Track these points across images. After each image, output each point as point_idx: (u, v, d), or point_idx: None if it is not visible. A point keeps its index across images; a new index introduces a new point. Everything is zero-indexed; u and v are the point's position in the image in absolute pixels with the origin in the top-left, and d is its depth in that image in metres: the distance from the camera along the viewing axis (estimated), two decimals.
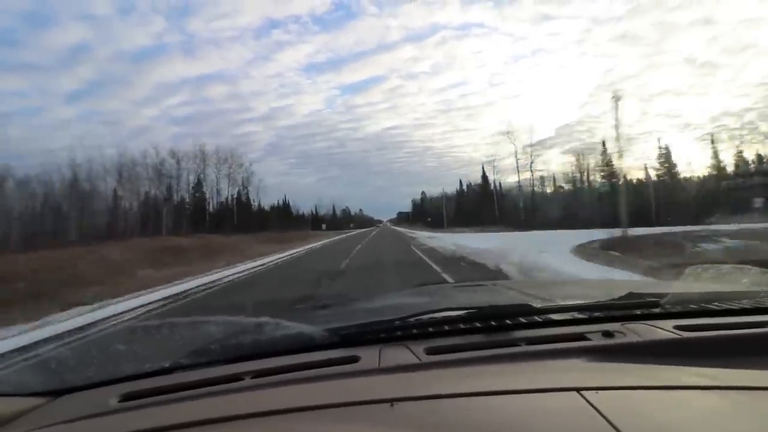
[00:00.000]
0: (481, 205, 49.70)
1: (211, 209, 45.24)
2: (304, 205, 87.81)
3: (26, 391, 0.80)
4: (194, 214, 41.12)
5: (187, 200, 43.14)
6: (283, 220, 53.81)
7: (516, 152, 45.80)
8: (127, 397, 0.72)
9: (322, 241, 27.47)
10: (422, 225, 64.35)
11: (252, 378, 0.75)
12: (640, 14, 66.64)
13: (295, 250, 18.93)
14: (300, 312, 1.72)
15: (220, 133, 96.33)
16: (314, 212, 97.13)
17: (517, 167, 46.49)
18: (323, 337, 0.89)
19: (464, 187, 65.40)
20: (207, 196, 45.33)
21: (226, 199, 47.84)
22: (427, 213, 78.82)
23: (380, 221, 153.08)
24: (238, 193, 49.99)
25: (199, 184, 44.87)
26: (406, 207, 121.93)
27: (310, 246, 22.48)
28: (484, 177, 56.77)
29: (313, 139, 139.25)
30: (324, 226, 56.21)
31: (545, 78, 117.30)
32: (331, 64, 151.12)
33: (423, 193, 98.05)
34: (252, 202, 51.78)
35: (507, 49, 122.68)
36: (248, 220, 41.99)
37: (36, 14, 76.96)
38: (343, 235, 41.75)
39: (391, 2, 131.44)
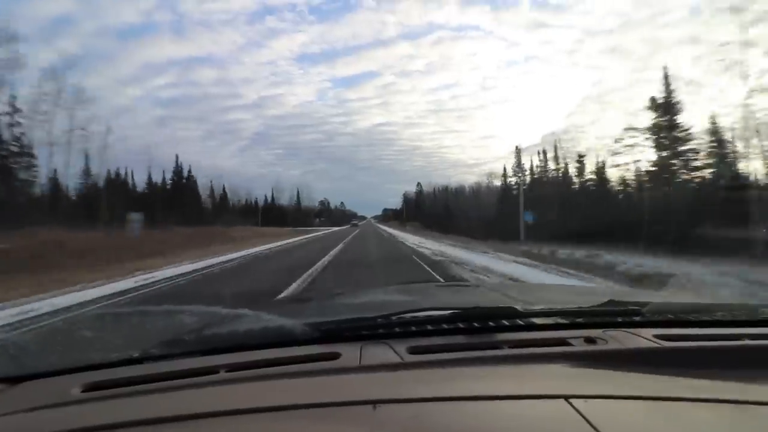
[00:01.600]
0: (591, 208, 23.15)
1: None
2: (260, 193, 68.97)
3: None
4: None
5: None
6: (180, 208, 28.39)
7: None
8: (91, 387, 0.69)
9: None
10: (424, 228, 46.15)
11: (227, 371, 0.73)
12: (631, 29, 67.39)
13: None
14: (280, 305, 1.69)
15: (206, 118, 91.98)
16: (269, 200, 69.19)
17: None
18: (303, 332, 0.87)
19: (528, 168, 36.46)
20: None
21: None
22: (427, 211, 60.86)
23: (363, 217, 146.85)
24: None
25: None
26: (393, 204, 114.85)
27: None
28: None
29: (302, 131, 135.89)
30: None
31: (535, 85, 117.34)
32: (325, 56, 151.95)
33: (419, 185, 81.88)
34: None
35: (500, 54, 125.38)
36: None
37: None
38: (257, 249, 18.91)
39: None
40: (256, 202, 60.64)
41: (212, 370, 0.73)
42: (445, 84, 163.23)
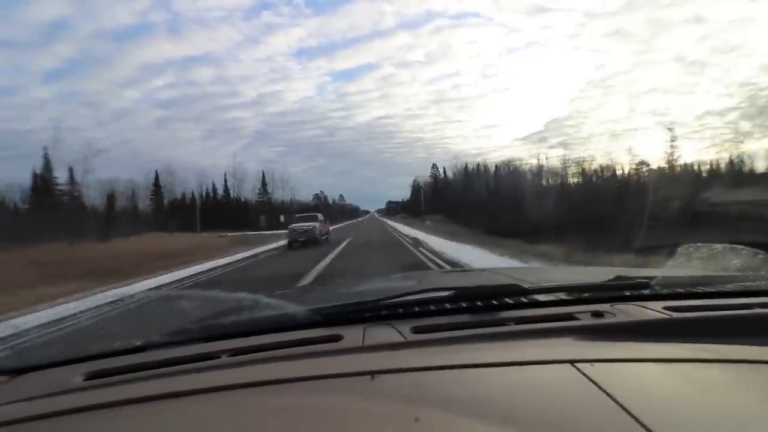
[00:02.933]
0: None
1: None
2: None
3: None
4: None
5: None
6: None
7: None
8: (92, 376, 0.76)
9: None
10: (459, 226, 29.11)
11: (229, 356, 0.80)
12: (634, 10, 60.89)
13: None
14: (283, 294, 1.68)
15: (206, 118, 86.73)
16: (209, 194, 47.10)
17: None
18: (305, 317, 0.93)
19: None
20: None
21: None
22: (454, 200, 44.68)
23: (366, 212, 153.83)
24: None
25: None
26: (396, 197, 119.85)
27: None
28: None
29: (302, 127, 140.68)
30: None
31: (537, 71, 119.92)
32: (323, 50, 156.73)
33: (434, 166, 69.39)
34: None
35: (501, 41, 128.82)
36: None
37: None
38: None
39: None
40: (207, 195, 40.15)
41: (214, 355, 0.80)
42: (446, 73, 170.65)
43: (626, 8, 79.71)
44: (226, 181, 53.20)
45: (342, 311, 0.96)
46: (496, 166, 41.89)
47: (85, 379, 0.73)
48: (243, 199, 53.60)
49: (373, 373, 0.61)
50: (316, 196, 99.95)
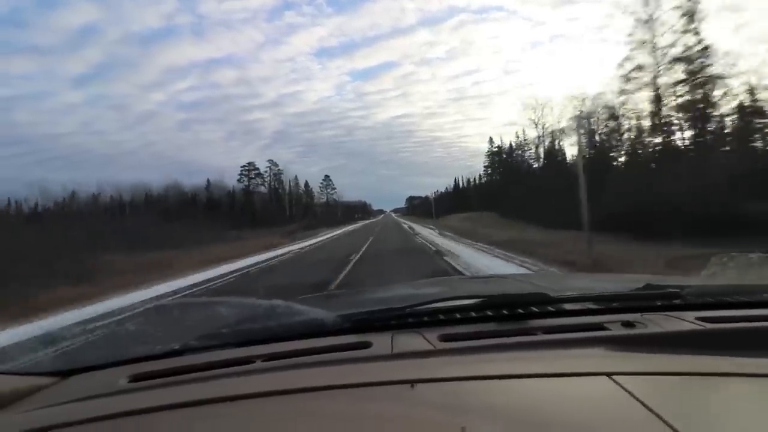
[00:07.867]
0: None
1: None
2: None
3: (36, 371, 0.88)
4: None
5: None
6: None
7: None
8: (136, 378, 0.82)
9: None
10: None
11: (263, 361, 0.85)
12: None
13: None
14: (311, 299, 1.85)
15: (227, 119, 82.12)
16: None
17: None
18: (335, 323, 0.98)
19: None
20: None
21: None
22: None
23: (382, 211, 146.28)
24: None
25: None
26: (415, 195, 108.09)
27: None
28: None
29: (321, 127, 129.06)
30: None
31: (562, 66, 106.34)
32: (343, 49, 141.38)
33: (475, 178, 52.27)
34: None
35: (524, 35, 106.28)
36: None
37: None
38: None
39: None
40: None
41: (249, 360, 0.84)
42: (467, 70, 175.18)
43: None
44: None
45: (370, 318, 0.99)
46: None
47: (129, 382, 0.78)
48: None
49: (412, 382, 0.63)
50: (245, 173, 52.70)
